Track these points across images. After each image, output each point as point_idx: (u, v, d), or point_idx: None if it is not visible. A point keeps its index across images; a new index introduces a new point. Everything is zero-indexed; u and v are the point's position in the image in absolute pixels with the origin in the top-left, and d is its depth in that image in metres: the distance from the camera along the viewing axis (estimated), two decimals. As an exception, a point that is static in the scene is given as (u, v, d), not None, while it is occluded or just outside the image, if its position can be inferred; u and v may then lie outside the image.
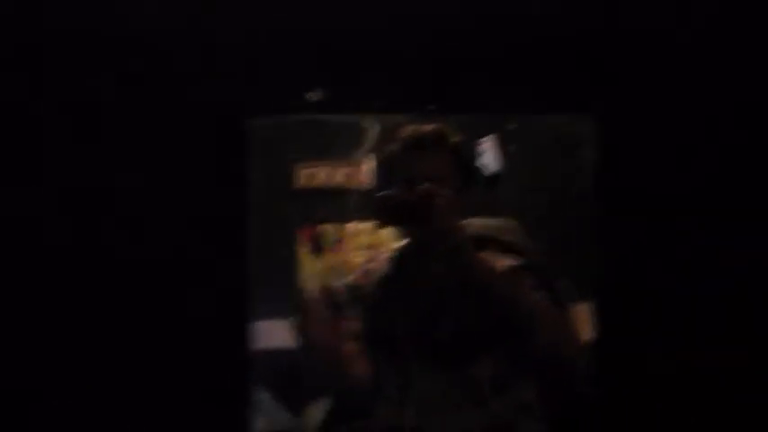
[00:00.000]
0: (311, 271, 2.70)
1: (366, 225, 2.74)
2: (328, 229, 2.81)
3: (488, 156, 2.74)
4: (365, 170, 2.73)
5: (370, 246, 2.67)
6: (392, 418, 1.51)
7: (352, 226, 2.79)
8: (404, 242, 1.67)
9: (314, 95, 2.65)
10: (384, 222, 1.51)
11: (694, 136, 2.46)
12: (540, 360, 1.49)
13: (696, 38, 2.51)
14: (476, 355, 1.51)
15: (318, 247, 2.80)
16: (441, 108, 2.58)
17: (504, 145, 2.76)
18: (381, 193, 1.49)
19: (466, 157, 1.64)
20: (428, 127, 1.61)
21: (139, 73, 2.58)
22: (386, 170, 1.63)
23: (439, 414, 1.49)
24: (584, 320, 1.33)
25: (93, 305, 2.51)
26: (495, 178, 2.75)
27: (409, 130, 1.63)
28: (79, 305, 2.51)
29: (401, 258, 1.66)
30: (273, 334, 2.77)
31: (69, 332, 2.51)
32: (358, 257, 2.64)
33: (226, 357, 2.51)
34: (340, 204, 2.81)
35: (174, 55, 2.60)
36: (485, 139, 2.75)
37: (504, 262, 1.55)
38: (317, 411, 1.51)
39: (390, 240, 1.74)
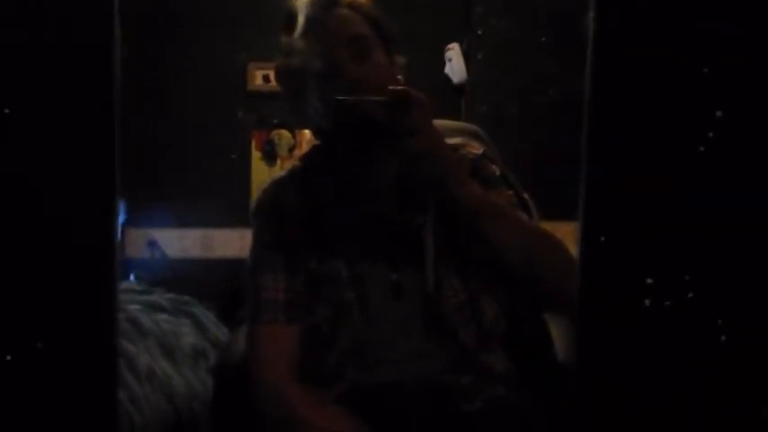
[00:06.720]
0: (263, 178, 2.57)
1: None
2: (283, 134, 2.67)
3: (454, 64, 2.62)
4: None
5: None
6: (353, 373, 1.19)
7: (308, 132, 2.66)
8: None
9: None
10: (346, 138, 1.16)
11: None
12: (541, 295, 1.17)
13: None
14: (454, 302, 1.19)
15: (272, 154, 2.67)
16: None
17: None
18: (338, 98, 1.10)
19: (385, 25, 1.21)
20: None
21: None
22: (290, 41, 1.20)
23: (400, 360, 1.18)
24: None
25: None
26: (461, 87, 2.64)
27: None
28: None
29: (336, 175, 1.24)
30: (226, 243, 2.66)
31: None
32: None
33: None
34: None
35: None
36: (450, 46, 2.63)
37: (505, 193, 1.22)
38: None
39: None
